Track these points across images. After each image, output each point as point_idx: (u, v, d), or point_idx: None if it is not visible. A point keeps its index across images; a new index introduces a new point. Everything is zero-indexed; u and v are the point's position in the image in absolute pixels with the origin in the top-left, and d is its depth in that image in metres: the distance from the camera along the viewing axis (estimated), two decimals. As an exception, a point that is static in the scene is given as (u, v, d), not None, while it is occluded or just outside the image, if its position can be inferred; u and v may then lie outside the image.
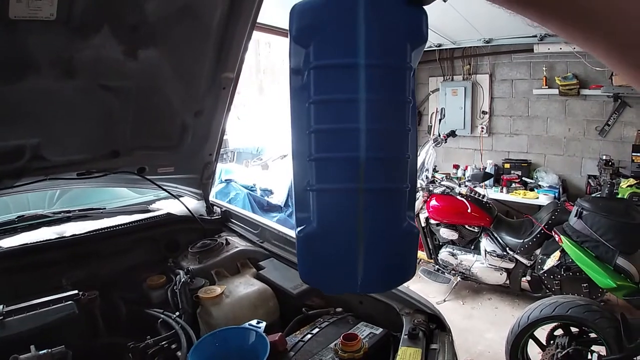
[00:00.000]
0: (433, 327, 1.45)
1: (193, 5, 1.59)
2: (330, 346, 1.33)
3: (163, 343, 1.49)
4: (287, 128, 0.51)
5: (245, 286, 1.70)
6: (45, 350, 1.38)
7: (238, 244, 2.01)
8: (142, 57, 1.63)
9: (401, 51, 0.45)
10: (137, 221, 2.13)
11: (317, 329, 1.43)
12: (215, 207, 2.35)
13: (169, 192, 2.16)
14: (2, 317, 1.43)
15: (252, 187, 4.99)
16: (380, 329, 1.43)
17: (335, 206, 0.48)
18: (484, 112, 5.79)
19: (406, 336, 1.35)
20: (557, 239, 3.53)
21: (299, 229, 0.50)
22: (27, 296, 1.55)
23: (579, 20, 0.36)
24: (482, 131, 5.79)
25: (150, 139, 1.93)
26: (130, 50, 1.60)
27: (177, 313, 1.57)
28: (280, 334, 1.33)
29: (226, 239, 2.02)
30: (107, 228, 2.04)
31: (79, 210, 2.24)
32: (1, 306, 1.48)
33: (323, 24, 0.44)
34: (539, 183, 5.30)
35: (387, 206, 0.50)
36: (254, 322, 1.35)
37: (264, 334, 1.27)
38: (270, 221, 2.18)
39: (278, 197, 5.09)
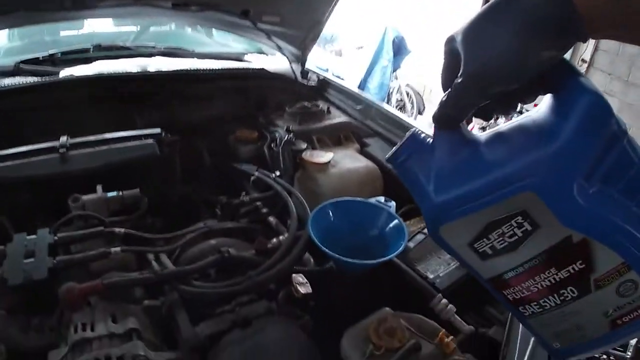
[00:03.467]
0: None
1: None
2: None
3: (258, 203, 1.33)
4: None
5: (352, 160, 1.49)
6: (114, 193, 1.21)
7: (341, 115, 1.78)
8: None
9: None
10: (228, 68, 1.90)
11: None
12: (310, 72, 2.07)
13: (272, 41, 1.86)
14: (65, 150, 1.23)
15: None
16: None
17: None
18: (583, 61, 5.14)
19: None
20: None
21: None
22: (96, 129, 1.35)
23: None
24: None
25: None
26: None
27: (277, 173, 1.38)
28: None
29: (328, 107, 1.78)
30: (194, 70, 1.81)
31: (165, 48, 2.00)
32: (65, 137, 1.27)
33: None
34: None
35: None
36: (381, 199, 1.13)
37: (399, 217, 1.06)
38: (375, 98, 1.90)
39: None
